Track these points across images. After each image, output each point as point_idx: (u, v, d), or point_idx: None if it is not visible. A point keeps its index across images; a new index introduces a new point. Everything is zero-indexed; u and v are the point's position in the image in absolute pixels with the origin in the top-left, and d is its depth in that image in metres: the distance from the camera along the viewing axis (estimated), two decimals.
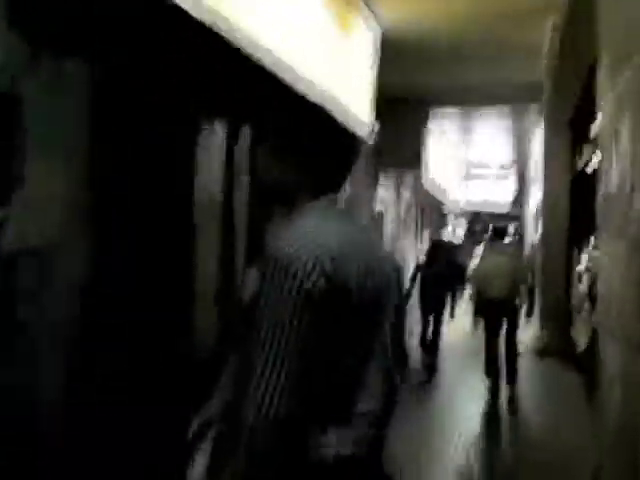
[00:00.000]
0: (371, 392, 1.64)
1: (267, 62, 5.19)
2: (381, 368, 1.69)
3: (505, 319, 8.06)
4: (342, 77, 7.57)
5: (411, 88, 12.08)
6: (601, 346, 3.29)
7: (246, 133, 5.16)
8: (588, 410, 6.68)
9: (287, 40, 5.71)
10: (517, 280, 8.07)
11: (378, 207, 13.06)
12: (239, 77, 4.87)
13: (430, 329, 9.59)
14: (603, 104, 3.28)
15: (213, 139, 4.96)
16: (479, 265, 8.64)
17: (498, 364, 8.08)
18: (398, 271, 1.91)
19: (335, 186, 1.74)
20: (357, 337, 1.60)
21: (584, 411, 6.74)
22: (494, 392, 7.85)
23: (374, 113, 9.32)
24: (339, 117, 1.78)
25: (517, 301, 8.19)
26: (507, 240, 9.97)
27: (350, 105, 7.89)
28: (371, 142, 10.74)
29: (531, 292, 9.97)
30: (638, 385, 2.55)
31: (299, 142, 1.70)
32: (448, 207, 20.63)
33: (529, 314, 9.92)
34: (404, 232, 16.07)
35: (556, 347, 10.14)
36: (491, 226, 10.58)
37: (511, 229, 31.39)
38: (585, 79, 8.62)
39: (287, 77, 5.67)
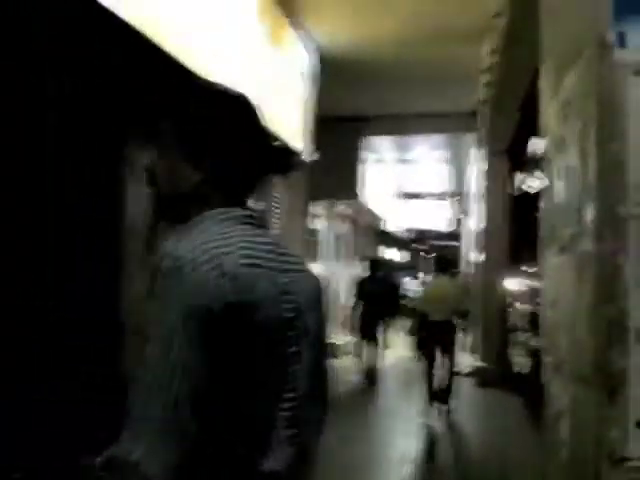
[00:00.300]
0: (279, 443, 1.33)
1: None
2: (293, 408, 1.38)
3: (443, 340, 8.61)
4: (272, 90, 7.44)
5: (349, 111, 11.98)
6: (546, 377, 3.11)
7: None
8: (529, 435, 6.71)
9: (214, 48, 5.58)
10: (456, 304, 8.68)
11: (313, 234, 12.81)
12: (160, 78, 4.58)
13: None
14: (546, 113, 3.13)
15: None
16: (425, 291, 9.32)
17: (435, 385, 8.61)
18: (319, 290, 1.60)
19: (248, 189, 1.51)
20: (264, 364, 1.33)
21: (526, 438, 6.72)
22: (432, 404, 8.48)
23: (310, 132, 9.16)
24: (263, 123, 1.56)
25: (455, 323, 8.81)
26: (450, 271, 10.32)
27: (280, 117, 7.82)
28: (308, 161, 10.58)
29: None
30: (587, 420, 2.36)
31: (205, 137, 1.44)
32: (388, 231, 20.59)
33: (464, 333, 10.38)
34: (340, 258, 15.90)
35: (494, 372, 10.14)
36: (434, 257, 12.17)
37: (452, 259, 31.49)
38: (523, 102, 8.69)
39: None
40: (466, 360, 11.01)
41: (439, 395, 8.51)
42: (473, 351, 11.15)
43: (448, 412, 8.44)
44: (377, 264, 11.96)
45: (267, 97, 7.36)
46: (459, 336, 9.51)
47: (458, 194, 21.29)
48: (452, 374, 8.77)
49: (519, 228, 11.06)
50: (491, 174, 11.02)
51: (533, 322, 13.23)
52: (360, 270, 19.87)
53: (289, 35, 7.96)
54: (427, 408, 8.36)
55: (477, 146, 11.73)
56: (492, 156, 10.91)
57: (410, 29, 8.11)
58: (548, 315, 3.17)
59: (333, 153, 12.40)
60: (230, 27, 6.00)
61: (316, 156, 10.72)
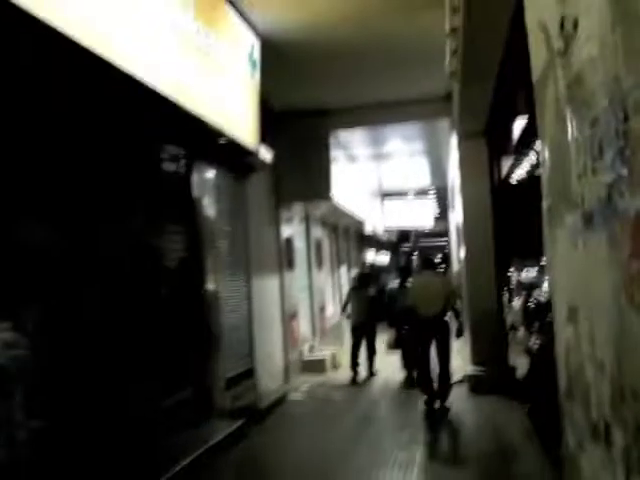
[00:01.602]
0: None
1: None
2: None
3: (436, 336, 8.96)
4: (213, 81, 6.82)
5: (312, 104, 11.32)
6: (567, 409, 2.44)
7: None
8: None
9: (145, 36, 5.30)
10: (446, 300, 9.04)
11: (286, 240, 12.11)
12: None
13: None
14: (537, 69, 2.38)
15: None
16: (412, 288, 9.62)
17: (431, 379, 9.05)
18: None
19: None
20: None
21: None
22: (429, 407, 8.94)
23: (264, 129, 8.51)
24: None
25: (447, 318, 9.12)
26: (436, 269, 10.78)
27: (226, 111, 7.24)
28: (267, 160, 9.89)
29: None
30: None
31: None
32: (369, 231, 19.93)
33: (459, 335, 9.84)
34: (320, 264, 15.22)
35: (492, 376, 9.51)
36: (419, 257, 13.31)
37: (438, 259, 31.69)
38: (495, 81, 8.03)
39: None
40: (458, 365, 10.35)
41: (438, 394, 8.98)
42: (467, 355, 10.45)
43: (445, 410, 8.85)
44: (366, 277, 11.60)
45: (209, 88, 6.71)
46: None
47: (440, 188, 20.66)
48: (448, 371, 9.06)
49: (505, 219, 10.44)
50: (467, 160, 10.36)
51: (528, 319, 12.74)
52: (347, 279, 19.41)
53: (230, 20, 7.29)
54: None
55: (451, 130, 11.06)
56: (466, 139, 10.25)
57: (361, 3, 7.44)
58: (563, 329, 2.28)
59: (300, 152, 11.74)
60: (160, 14, 5.54)
61: (270, 155, 10.06)
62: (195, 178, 7.89)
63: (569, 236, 1.99)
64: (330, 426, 8.47)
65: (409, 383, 10.68)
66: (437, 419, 8.70)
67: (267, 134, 10.21)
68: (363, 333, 12.04)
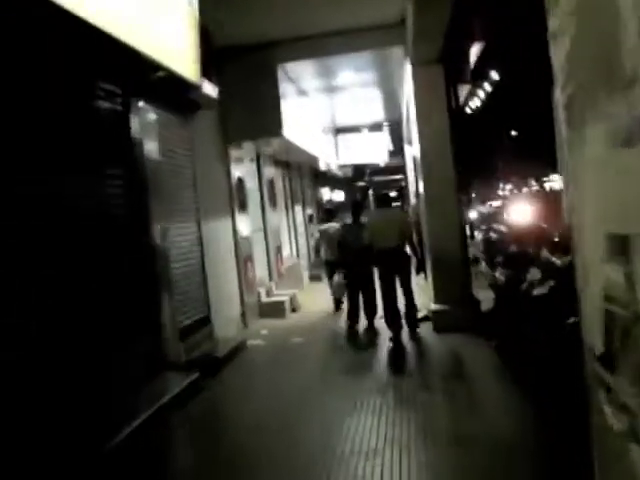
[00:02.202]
0: None
1: None
2: None
3: (397, 268, 9.43)
4: (147, 9, 6.34)
5: (258, 37, 10.76)
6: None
7: None
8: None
9: None
10: (403, 232, 9.43)
11: (237, 181, 11.65)
12: None
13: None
14: None
15: None
16: (369, 224, 9.95)
17: (399, 312, 9.44)
18: None
19: None
20: None
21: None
22: (396, 338, 9.16)
23: (208, 62, 7.99)
24: None
25: (407, 250, 9.49)
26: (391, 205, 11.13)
27: (161, 41, 6.72)
28: (213, 95, 9.37)
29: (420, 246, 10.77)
30: None
31: None
32: (323, 168, 19.50)
33: (419, 270, 10.34)
34: (273, 204, 14.81)
35: (456, 313, 9.34)
36: (374, 193, 13.86)
37: (394, 194, 31.61)
38: (451, 3, 7.60)
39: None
40: (422, 304, 10.18)
41: (409, 323, 9.50)
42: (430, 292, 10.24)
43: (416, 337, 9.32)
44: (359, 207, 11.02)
45: (142, 17, 6.16)
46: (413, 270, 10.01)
47: (395, 122, 20.23)
48: (413, 301, 9.54)
49: (465, 149, 10.15)
50: (422, 88, 9.93)
51: (490, 251, 12.66)
52: (304, 218, 19.04)
53: None
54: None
55: (405, 59, 10.60)
56: (421, 67, 9.80)
57: None
58: (599, 268, 1.64)
59: (248, 87, 11.19)
60: None
61: (216, 91, 9.52)
62: (135, 117, 7.35)
63: (613, 134, 1.43)
64: (292, 372, 8.21)
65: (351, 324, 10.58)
66: (402, 353, 8.64)
67: (211, 70, 9.68)
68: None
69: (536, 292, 6.83)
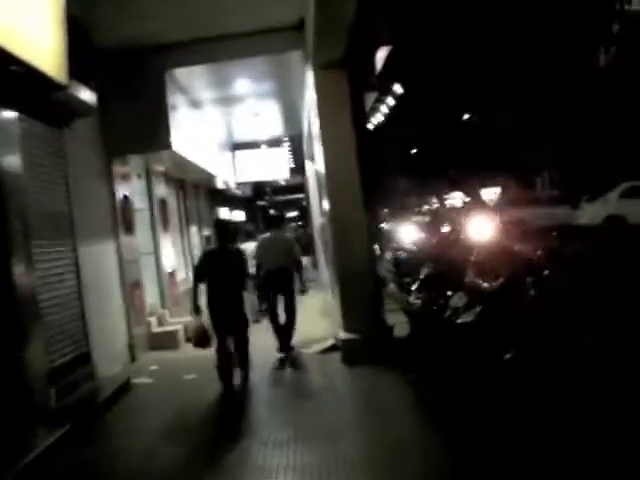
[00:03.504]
0: None
1: None
2: None
3: (281, 285, 9.93)
4: None
5: (146, 39, 9.78)
6: None
7: None
8: None
9: None
10: (288, 254, 9.97)
11: (122, 199, 10.57)
12: None
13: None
14: None
15: None
16: (258, 246, 10.46)
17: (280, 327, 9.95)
18: None
19: None
20: None
21: None
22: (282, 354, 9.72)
23: (67, 59, 6.91)
24: None
25: (293, 269, 9.98)
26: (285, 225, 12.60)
27: (16, 29, 5.69)
28: (90, 102, 8.33)
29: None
30: None
31: None
32: (221, 186, 18.51)
33: (302, 292, 10.28)
34: (165, 225, 13.73)
35: (367, 342, 8.57)
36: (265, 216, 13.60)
37: (294, 214, 30.67)
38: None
39: None
40: (326, 331, 9.36)
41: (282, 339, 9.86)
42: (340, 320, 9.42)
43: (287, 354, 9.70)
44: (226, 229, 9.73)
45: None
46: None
47: (295, 137, 19.49)
48: (293, 316, 9.95)
49: (373, 163, 9.47)
50: (325, 94, 9.17)
51: (401, 273, 12.00)
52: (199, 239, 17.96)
53: None
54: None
55: (306, 64, 9.84)
56: (324, 71, 9.03)
57: None
58: None
59: (133, 95, 10.16)
60: None
61: (94, 98, 8.49)
62: None
63: None
64: (185, 416, 7.19)
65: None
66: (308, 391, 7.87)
67: (90, 73, 8.62)
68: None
69: (461, 320, 6.14)
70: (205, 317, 8.39)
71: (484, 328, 5.85)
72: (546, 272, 5.99)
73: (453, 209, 29.82)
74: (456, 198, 55.88)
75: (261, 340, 9.87)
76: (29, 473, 5.50)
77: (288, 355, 9.66)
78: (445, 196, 54.79)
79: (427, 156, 48.52)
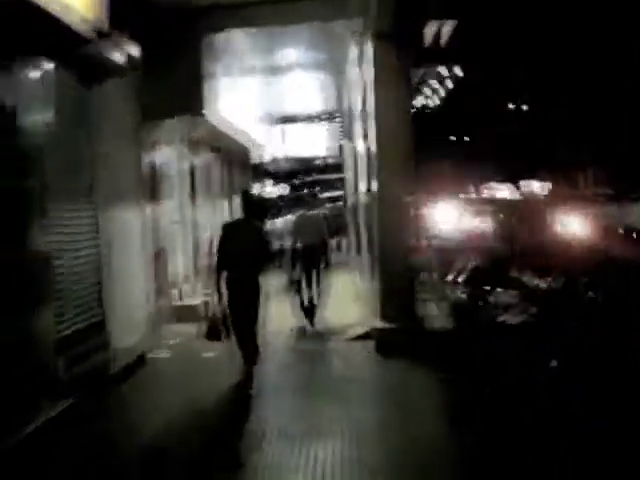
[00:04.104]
0: None
1: None
2: None
3: (313, 263, 10.25)
4: None
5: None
6: None
7: None
8: None
9: None
10: (321, 231, 10.43)
11: (153, 165, 10.21)
12: None
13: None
14: None
15: None
16: (295, 222, 10.83)
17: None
18: None
19: None
20: None
21: None
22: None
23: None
24: None
25: (323, 247, 10.41)
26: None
27: None
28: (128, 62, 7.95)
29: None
30: None
31: None
32: (258, 159, 18.10)
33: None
34: (197, 194, 13.35)
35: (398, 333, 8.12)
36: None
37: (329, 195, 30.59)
38: None
39: None
40: (362, 317, 8.92)
41: (307, 311, 10.17)
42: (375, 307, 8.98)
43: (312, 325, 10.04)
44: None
45: None
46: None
47: (338, 113, 18.94)
48: (321, 293, 10.25)
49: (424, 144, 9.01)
50: (377, 66, 8.67)
51: (442, 260, 11.49)
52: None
53: None
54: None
55: (352, 34, 9.34)
56: (377, 40, 8.53)
57: None
58: None
59: (170, 58, 9.75)
60: None
61: (137, 52, 8.09)
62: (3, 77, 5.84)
63: None
64: (198, 397, 6.80)
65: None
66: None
67: (126, 27, 8.20)
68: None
69: (510, 319, 5.68)
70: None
71: (535, 331, 5.42)
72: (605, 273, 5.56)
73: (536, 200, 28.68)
74: (503, 189, 54.68)
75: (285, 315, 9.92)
76: (26, 446, 5.18)
77: (313, 327, 9.98)
78: (487, 185, 53.75)
79: (473, 142, 47.56)
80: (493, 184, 55.38)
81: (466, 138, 50.38)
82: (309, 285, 10.25)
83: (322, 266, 10.29)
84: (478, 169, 48.20)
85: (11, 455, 5.03)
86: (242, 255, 7.04)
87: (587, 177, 43.09)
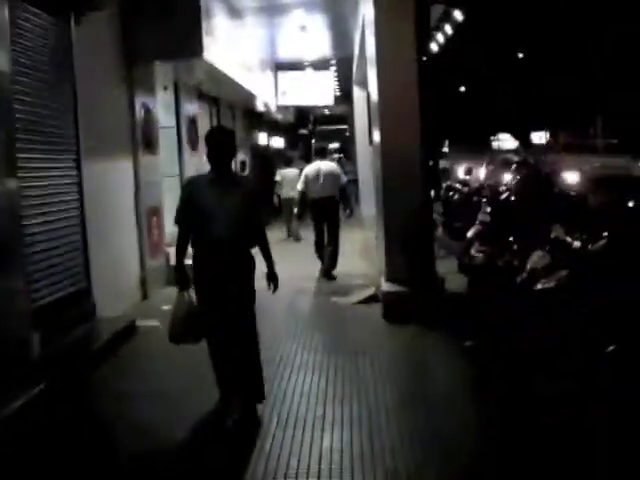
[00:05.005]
0: None
1: None
2: None
3: (328, 214, 10.32)
4: None
5: None
6: None
7: None
8: None
9: None
10: (336, 181, 10.40)
11: (144, 113, 9.31)
12: None
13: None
14: None
15: None
16: (304, 175, 10.61)
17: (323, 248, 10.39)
18: None
19: None
20: None
21: None
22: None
23: None
24: None
25: (336, 199, 10.48)
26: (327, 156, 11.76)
27: None
28: None
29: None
30: None
31: None
32: (261, 108, 17.19)
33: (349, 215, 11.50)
34: (194, 145, 12.48)
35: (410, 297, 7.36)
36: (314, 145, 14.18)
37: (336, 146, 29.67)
38: None
39: None
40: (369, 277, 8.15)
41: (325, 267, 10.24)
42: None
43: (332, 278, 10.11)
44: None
45: None
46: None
47: (344, 60, 17.91)
48: (336, 245, 10.37)
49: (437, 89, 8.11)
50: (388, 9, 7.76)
51: (457, 218, 10.75)
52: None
53: None
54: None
55: None
56: None
57: None
58: None
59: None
60: None
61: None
62: None
63: None
64: (195, 372, 5.94)
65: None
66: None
67: None
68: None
69: (541, 285, 4.92)
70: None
71: (570, 297, 4.67)
72: None
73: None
74: (506, 140, 54.19)
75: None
76: None
77: (330, 279, 10.08)
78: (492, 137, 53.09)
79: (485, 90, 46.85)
80: (501, 135, 54.71)
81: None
82: (321, 238, 10.38)
83: (344, 215, 10.97)
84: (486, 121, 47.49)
85: None
86: (221, 220, 4.67)
87: (596, 128, 42.27)
